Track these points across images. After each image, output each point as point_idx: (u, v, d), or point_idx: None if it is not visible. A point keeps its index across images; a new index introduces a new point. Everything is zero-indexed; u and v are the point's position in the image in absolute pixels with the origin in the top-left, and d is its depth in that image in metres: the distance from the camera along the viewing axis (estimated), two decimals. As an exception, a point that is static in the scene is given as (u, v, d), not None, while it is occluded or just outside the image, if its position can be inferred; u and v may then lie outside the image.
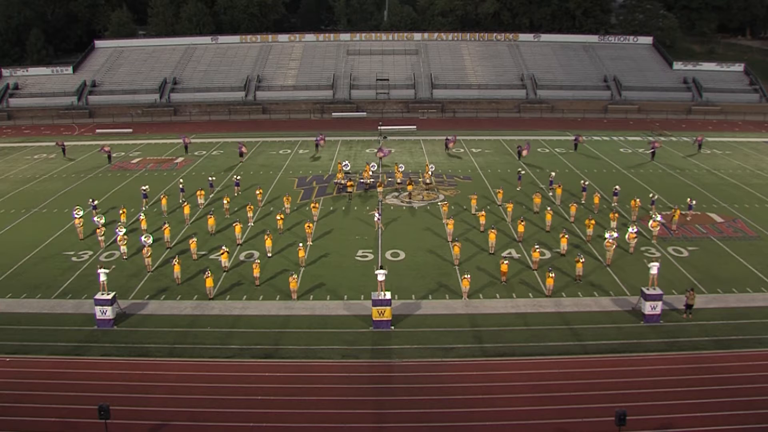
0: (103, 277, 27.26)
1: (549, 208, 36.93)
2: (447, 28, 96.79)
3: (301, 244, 32.63)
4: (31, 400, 21.48)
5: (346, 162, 48.68)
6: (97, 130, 68.35)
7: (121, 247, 33.20)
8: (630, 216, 37.90)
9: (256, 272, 29.58)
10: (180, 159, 54.47)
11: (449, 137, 57.09)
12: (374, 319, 25.88)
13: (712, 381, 22.31)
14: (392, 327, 25.86)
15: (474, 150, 56.55)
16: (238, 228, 34.74)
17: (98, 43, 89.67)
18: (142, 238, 32.49)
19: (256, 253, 33.14)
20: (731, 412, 20.52)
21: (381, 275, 26.66)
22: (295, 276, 28.66)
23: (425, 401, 21.33)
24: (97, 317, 26.21)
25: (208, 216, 36.76)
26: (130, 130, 68.03)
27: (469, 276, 28.60)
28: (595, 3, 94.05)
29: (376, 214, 37.01)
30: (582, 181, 42.44)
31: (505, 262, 30.03)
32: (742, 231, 36.48)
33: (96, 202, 39.91)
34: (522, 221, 34.84)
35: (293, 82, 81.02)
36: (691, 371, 22.91)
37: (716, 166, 51.03)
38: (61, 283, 30.32)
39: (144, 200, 41.18)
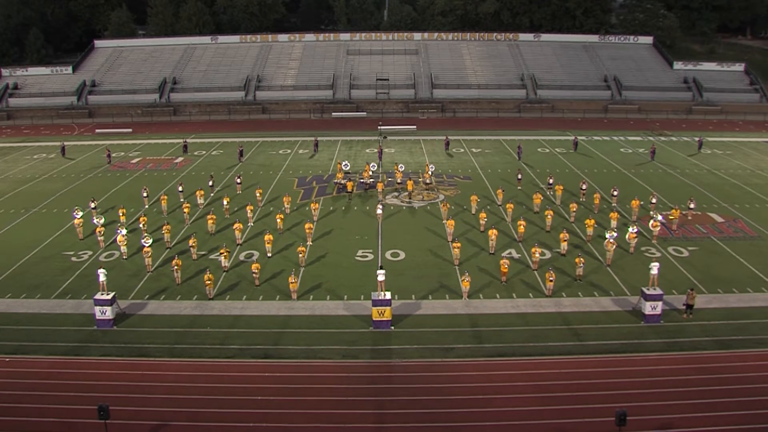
0: (102, 277, 27.31)
1: (549, 208, 36.95)
2: (447, 28, 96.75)
3: (301, 245, 32.60)
4: (31, 401, 21.45)
5: (346, 162, 48.66)
6: (97, 130, 68.34)
7: (121, 247, 33.18)
8: (630, 216, 37.89)
9: (256, 272, 29.57)
10: (180, 159, 54.46)
11: (446, 138, 57.30)
12: (374, 319, 25.86)
13: (712, 381, 22.28)
14: (392, 327, 25.84)
15: (474, 150, 56.54)
16: (238, 228, 34.75)
17: (98, 43, 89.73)
18: (142, 241, 32.48)
19: (256, 253, 33.13)
20: (731, 412, 20.49)
21: (381, 275, 26.67)
22: (295, 276, 28.66)
23: (425, 401, 21.30)
24: (97, 317, 26.19)
25: (208, 216, 36.76)
26: (130, 130, 68.02)
27: (469, 276, 28.59)
28: (595, 3, 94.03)
29: (379, 207, 37.21)
30: (581, 182, 42.36)
31: (506, 262, 30.03)
32: (743, 231, 36.46)
33: (94, 204, 39.84)
34: (522, 221, 34.84)
35: (293, 82, 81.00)
36: (691, 371, 22.89)
37: (716, 166, 51.01)
38: (61, 283, 30.29)
39: (145, 199, 41.20)
